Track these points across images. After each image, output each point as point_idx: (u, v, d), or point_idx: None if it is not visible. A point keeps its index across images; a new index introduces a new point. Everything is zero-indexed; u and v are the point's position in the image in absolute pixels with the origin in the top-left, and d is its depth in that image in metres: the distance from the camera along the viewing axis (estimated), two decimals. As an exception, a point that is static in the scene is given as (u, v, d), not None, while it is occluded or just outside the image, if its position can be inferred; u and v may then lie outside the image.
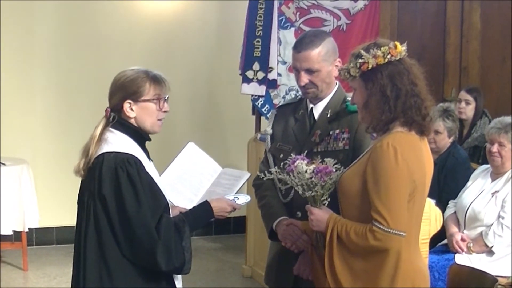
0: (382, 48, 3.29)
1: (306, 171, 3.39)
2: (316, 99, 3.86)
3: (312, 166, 3.40)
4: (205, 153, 3.87)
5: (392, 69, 3.28)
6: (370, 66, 3.28)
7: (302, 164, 3.42)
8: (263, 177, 3.74)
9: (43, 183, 7.59)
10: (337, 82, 3.89)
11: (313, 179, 3.37)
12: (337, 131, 3.76)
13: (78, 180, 3.46)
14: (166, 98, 3.45)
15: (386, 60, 3.28)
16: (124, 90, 3.39)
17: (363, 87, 3.33)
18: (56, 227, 7.86)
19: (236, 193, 3.66)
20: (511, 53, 8.30)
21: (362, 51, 3.31)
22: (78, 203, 3.42)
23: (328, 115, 3.81)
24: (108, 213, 3.25)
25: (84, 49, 7.82)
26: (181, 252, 3.30)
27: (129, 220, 3.22)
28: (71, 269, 3.43)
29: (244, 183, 3.74)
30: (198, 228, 3.55)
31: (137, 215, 3.22)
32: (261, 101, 6.91)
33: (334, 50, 3.82)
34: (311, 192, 3.39)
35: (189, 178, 3.51)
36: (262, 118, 7.00)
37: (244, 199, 3.63)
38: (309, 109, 3.89)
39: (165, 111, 3.45)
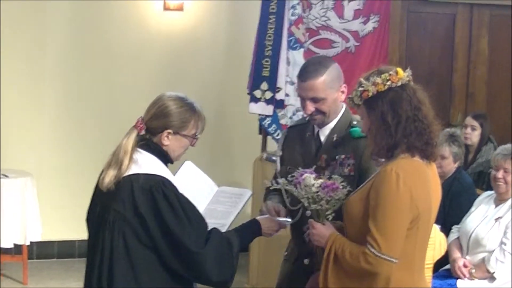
0: (382, 75, 3.30)
1: (313, 185, 3.41)
2: (323, 124, 3.84)
3: (320, 181, 3.43)
4: (202, 171, 3.87)
5: (393, 95, 3.28)
6: (370, 94, 3.30)
7: (310, 177, 3.45)
8: (269, 187, 3.75)
9: (47, 196, 7.57)
10: (344, 105, 3.86)
11: (319, 193, 3.40)
12: (343, 156, 3.74)
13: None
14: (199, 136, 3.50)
15: (386, 87, 3.29)
16: (169, 119, 3.39)
17: (366, 115, 3.35)
18: (58, 241, 7.84)
19: (240, 210, 3.67)
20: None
21: (362, 80, 3.33)
22: (95, 220, 3.41)
23: (334, 139, 3.80)
24: (148, 232, 3.27)
25: (93, 63, 7.84)
26: (231, 266, 3.36)
27: (176, 238, 3.25)
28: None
29: (247, 200, 3.74)
30: (247, 244, 3.61)
31: (183, 232, 3.25)
32: (268, 120, 6.92)
33: (339, 76, 3.78)
34: (316, 205, 3.41)
35: (188, 196, 3.51)
36: (269, 137, 7.00)
37: (287, 220, 3.70)
38: (315, 132, 3.87)
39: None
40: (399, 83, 3.30)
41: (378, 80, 3.29)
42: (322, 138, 3.85)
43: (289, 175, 3.63)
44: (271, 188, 3.77)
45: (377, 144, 3.30)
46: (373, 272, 3.21)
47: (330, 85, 3.72)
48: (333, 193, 3.39)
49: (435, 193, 3.35)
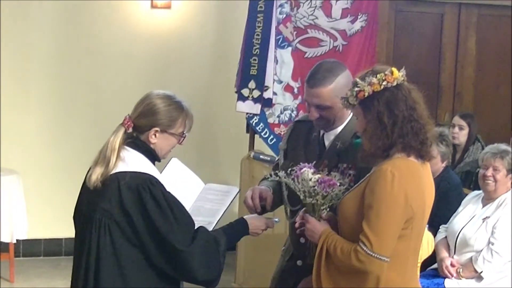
0: (378, 75, 3.29)
1: (310, 179, 3.40)
2: (328, 128, 3.76)
3: (317, 176, 3.42)
4: (188, 169, 3.86)
5: (389, 95, 3.28)
6: (366, 94, 3.28)
7: (308, 172, 3.44)
8: (265, 178, 3.71)
9: (34, 194, 7.55)
10: (351, 113, 3.71)
11: (316, 187, 3.39)
12: (345, 165, 3.66)
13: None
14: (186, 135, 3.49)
15: (382, 87, 3.28)
16: (157, 117, 3.38)
17: (362, 115, 3.33)
18: (44, 239, 7.82)
19: (227, 208, 3.67)
20: (506, 80, 8.36)
21: (357, 80, 3.32)
22: (82, 218, 3.40)
23: (338, 146, 3.72)
24: (135, 230, 3.26)
25: (80, 61, 7.82)
26: (218, 265, 3.35)
27: (163, 237, 3.24)
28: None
29: (234, 198, 3.73)
30: (234, 244, 3.59)
31: (170, 230, 3.24)
32: (255, 119, 6.91)
33: (349, 83, 3.57)
34: (311, 199, 3.40)
35: (175, 194, 3.51)
36: (256, 136, 7.00)
37: (275, 219, 3.70)
38: (321, 134, 3.79)
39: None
40: (395, 83, 3.29)
41: (374, 80, 3.27)
42: (326, 143, 3.77)
43: (289, 169, 3.60)
44: (269, 180, 3.75)
45: (373, 144, 3.29)
46: (363, 270, 3.20)
47: (337, 93, 3.57)
48: (330, 189, 3.38)
49: (429, 193, 3.35)
